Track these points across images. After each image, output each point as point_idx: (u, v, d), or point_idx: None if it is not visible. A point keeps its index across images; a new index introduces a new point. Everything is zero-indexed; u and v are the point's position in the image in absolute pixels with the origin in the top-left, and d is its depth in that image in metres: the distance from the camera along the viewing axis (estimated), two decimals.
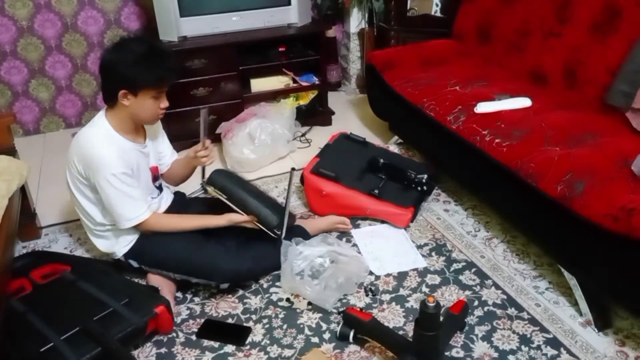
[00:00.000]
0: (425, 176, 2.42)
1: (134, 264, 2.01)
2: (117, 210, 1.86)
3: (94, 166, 1.81)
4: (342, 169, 2.43)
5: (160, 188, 2.10)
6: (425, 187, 2.42)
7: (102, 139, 1.84)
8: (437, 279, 2.07)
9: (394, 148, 2.97)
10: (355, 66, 3.85)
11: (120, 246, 1.98)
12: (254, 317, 1.92)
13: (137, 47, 1.81)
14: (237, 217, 1.98)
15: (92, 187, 1.88)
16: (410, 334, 1.75)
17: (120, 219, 1.88)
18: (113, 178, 1.80)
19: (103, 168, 1.80)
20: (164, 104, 1.89)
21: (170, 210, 2.10)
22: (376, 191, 2.35)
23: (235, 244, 2.02)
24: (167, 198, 2.14)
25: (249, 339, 1.83)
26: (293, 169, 2.05)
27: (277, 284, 2.05)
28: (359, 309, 1.84)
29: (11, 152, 2.25)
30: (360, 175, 2.44)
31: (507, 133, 2.10)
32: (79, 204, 1.96)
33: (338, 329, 1.79)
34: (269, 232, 2.00)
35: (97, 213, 1.95)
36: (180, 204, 2.17)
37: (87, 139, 1.85)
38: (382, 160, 2.48)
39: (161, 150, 2.13)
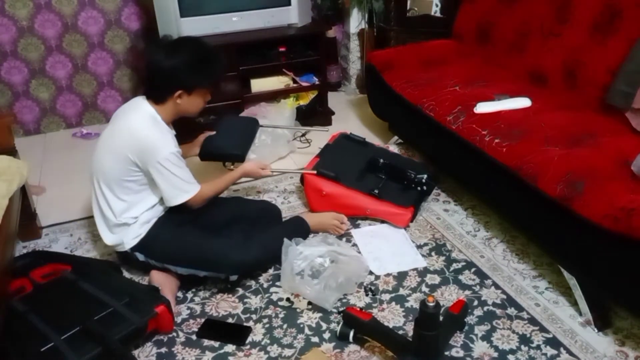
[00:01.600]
0: (425, 176, 2.42)
1: (140, 257, 2.01)
2: (176, 186, 1.92)
3: (148, 150, 1.87)
4: (342, 169, 2.43)
5: None
6: (425, 187, 2.42)
7: (152, 124, 1.91)
8: (436, 279, 2.07)
9: (393, 148, 2.97)
10: (355, 66, 3.85)
11: (129, 238, 1.98)
12: (254, 316, 1.92)
13: (193, 50, 1.92)
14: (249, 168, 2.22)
15: (144, 172, 1.92)
16: (410, 333, 1.75)
17: (176, 195, 1.94)
18: (172, 156, 1.89)
19: (159, 150, 1.87)
20: (209, 98, 2.04)
21: None
22: (376, 191, 2.36)
23: (242, 236, 2.07)
24: None
25: (249, 339, 1.83)
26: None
27: (277, 283, 2.05)
28: (359, 309, 1.84)
29: (11, 152, 2.25)
30: (360, 175, 2.45)
31: (506, 133, 2.10)
32: (103, 197, 1.97)
33: (338, 328, 1.79)
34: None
35: (123, 205, 1.96)
36: None
37: (139, 126, 1.90)
38: (382, 160, 2.49)
39: None
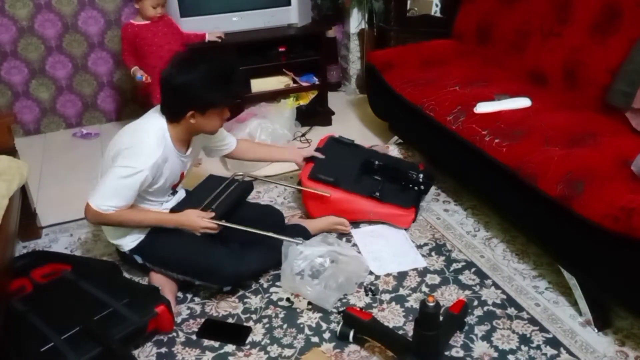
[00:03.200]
0: (422, 175, 2.41)
1: (139, 259, 2.01)
2: (100, 190, 1.79)
3: (131, 149, 1.78)
4: (338, 173, 2.35)
5: (174, 193, 2.09)
6: (422, 187, 2.41)
7: (155, 137, 1.81)
8: (436, 279, 2.07)
9: (393, 148, 2.97)
10: (355, 66, 3.85)
11: (128, 240, 1.97)
12: (254, 316, 1.92)
13: (208, 67, 1.77)
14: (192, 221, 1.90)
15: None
16: (410, 333, 1.75)
17: (94, 197, 1.79)
18: (125, 169, 1.76)
19: (135, 157, 1.76)
20: (227, 114, 1.91)
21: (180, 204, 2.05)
22: (377, 194, 2.33)
23: (239, 246, 2.01)
24: (178, 197, 2.12)
25: (249, 339, 1.83)
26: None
27: (277, 283, 2.05)
28: (359, 309, 1.84)
29: (11, 152, 2.25)
30: (357, 178, 2.40)
31: (507, 133, 2.10)
32: None
33: (338, 328, 1.79)
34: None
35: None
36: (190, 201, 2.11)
37: (144, 131, 1.83)
38: (377, 162, 2.45)
39: (223, 142, 2.21)
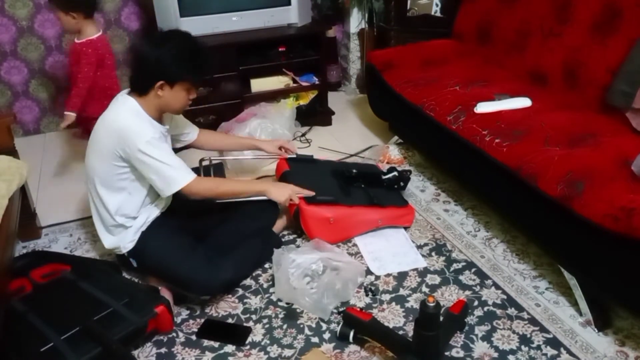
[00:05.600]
0: (397, 173, 2.42)
1: (134, 262, 2.01)
2: (161, 175, 1.85)
3: (129, 138, 1.82)
4: (322, 191, 2.23)
5: None
6: (402, 183, 2.43)
7: (132, 114, 1.86)
8: (437, 279, 2.07)
9: (393, 148, 2.97)
10: (355, 66, 3.85)
11: (125, 242, 1.98)
12: (254, 317, 1.92)
13: (180, 43, 1.87)
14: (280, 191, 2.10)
15: (130, 166, 1.88)
16: (410, 334, 1.75)
17: (165, 185, 1.87)
18: (149, 145, 1.81)
19: (138, 136, 1.81)
20: (193, 95, 1.95)
21: None
22: (375, 200, 2.30)
23: (217, 254, 1.98)
24: None
25: (249, 339, 1.83)
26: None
27: None
28: (359, 309, 1.84)
29: (11, 152, 2.25)
30: (344, 191, 2.31)
31: (507, 133, 2.10)
32: (98, 197, 1.95)
33: (338, 329, 1.79)
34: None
35: (117, 204, 1.93)
36: None
37: (118, 117, 1.86)
38: (354, 171, 2.42)
39: (184, 131, 2.24)
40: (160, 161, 1.83)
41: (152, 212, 2.01)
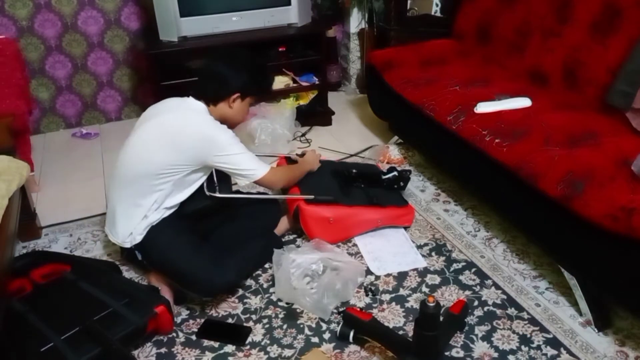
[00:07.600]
0: (397, 173, 2.42)
1: (139, 255, 2.01)
2: (246, 166, 1.98)
3: (214, 142, 1.92)
4: (324, 191, 2.25)
5: None
6: (402, 183, 2.43)
7: (211, 120, 1.97)
8: (437, 279, 2.07)
9: (393, 148, 2.97)
10: (355, 66, 3.85)
11: (136, 233, 1.95)
12: (254, 317, 1.92)
13: (253, 61, 2.07)
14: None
15: (197, 167, 1.95)
16: (410, 334, 1.75)
17: (251, 172, 1.99)
18: (232, 145, 1.94)
19: (225, 140, 1.94)
20: (248, 111, 2.14)
21: None
22: (375, 200, 2.29)
23: (220, 255, 1.99)
24: None
25: (249, 339, 1.83)
26: None
27: None
28: (359, 309, 1.84)
29: (11, 152, 2.25)
30: (343, 191, 2.31)
31: (507, 133, 2.10)
32: (136, 193, 1.93)
33: (338, 329, 1.79)
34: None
35: (175, 201, 1.97)
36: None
37: (198, 124, 1.94)
38: (354, 171, 2.41)
39: None
40: (243, 155, 1.97)
41: (167, 211, 2.01)
